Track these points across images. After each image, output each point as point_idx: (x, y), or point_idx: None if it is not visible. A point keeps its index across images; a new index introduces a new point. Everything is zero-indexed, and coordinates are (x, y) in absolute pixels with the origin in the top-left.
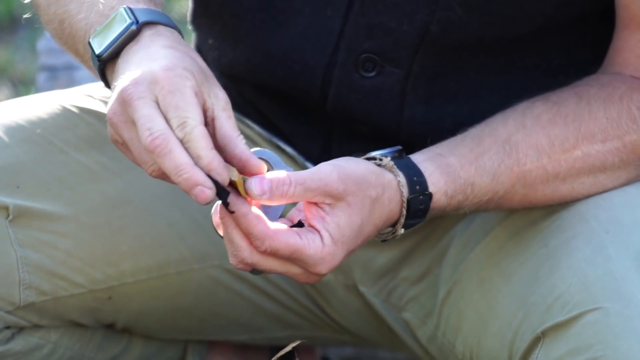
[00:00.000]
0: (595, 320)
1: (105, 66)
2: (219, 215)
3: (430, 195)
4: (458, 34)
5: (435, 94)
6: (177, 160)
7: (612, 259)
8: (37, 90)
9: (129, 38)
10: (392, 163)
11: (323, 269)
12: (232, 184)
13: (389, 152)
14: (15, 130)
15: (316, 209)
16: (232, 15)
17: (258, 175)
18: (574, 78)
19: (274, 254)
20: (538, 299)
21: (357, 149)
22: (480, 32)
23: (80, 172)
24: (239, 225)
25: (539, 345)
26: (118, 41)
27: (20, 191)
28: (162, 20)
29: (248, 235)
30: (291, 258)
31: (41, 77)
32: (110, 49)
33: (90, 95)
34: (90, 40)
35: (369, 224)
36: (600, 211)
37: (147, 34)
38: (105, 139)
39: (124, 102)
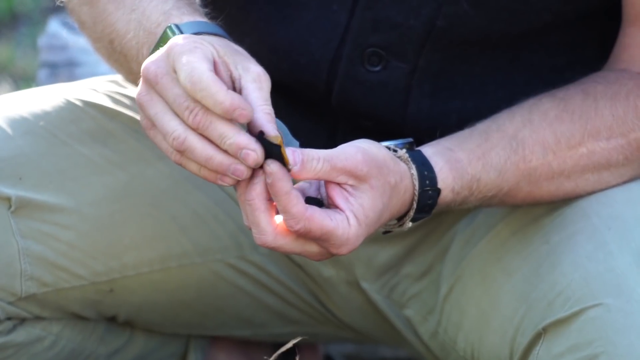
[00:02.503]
0: (596, 316)
1: None
2: (249, 194)
3: (438, 191)
4: (464, 29)
5: (440, 89)
6: (221, 129)
7: (614, 255)
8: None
9: None
10: (407, 155)
11: (345, 249)
12: (273, 149)
13: (400, 143)
14: (18, 123)
15: (339, 189)
16: (239, 8)
17: (290, 147)
18: (581, 75)
19: (305, 233)
20: (539, 295)
21: None
22: (486, 28)
23: (83, 164)
24: (278, 201)
25: (540, 341)
26: None
27: (22, 183)
28: (208, 30)
29: (284, 213)
30: (320, 239)
31: (42, 74)
32: None
33: (94, 89)
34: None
35: (387, 210)
36: (601, 207)
37: None
38: (108, 133)
39: (149, 82)
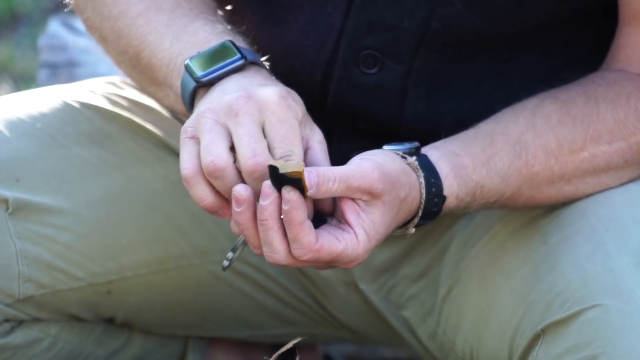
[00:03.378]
0: (594, 317)
1: (195, 91)
2: (263, 214)
3: (444, 198)
4: (459, 30)
5: (436, 90)
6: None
7: (612, 256)
8: (38, 87)
9: (233, 71)
10: (416, 163)
11: (354, 264)
12: (295, 179)
13: (407, 148)
14: (15, 125)
15: (352, 204)
16: (233, 12)
17: (307, 168)
18: (577, 74)
19: (314, 262)
20: (538, 296)
21: (357, 146)
22: (481, 28)
23: (81, 166)
24: (290, 229)
25: (539, 342)
26: (225, 70)
27: (20, 185)
28: (256, 60)
29: (292, 241)
30: (329, 260)
31: (42, 74)
32: (213, 75)
33: (91, 90)
34: (189, 62)
35: (394, 222)
36: (599, 208)
37: (252, 69)
38: (105, 134)
39: (230, 112)
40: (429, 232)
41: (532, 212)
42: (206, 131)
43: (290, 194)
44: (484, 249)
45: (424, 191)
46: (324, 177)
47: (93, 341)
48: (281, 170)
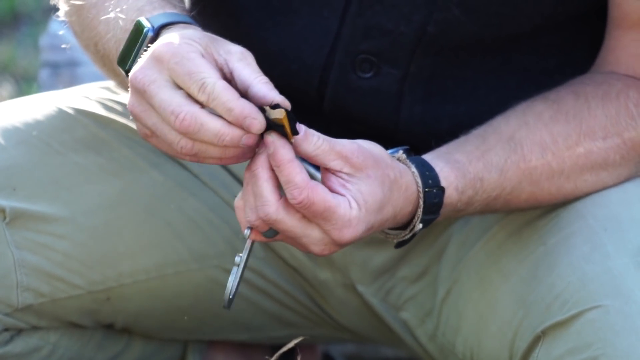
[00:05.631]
0: (594, 318)
1: None
2: (253, 164)
3: (443, 189)
4: (455, 34)
5: (432, 94)
6: (213, 129)
7: (610, 256)
8: (40, 87)
9: (147, 44)
10: (404, 156)
11: (347, 234)
12: (276, 125)
13: (395, 151)
14: (11, 133)
15: (336, 177)
16: (229, 15)
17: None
18: (572, 76)
19: (307, 207)
20: (537, 298)
21: None
22: (477, 32)
23: (77, 173)
24: (281, 171)
25: (539, 344)
26: (138, 50)
27: (16, 193)
28: (179, 20)
29: (286, 183)
30: (322, 216)
31: (44, 74)
32: (134, 62)
33: (86, 96)
34: (118, 62)
35: (388, 203)
36: (597, 208)
37: (164, 34)
38: (101, 141)
39: (138, 91)
40: (425, 233)
41: (530, 213)
42: (147, 120)
43: (271, 135)
44: (482, 250)
45: (419, 180)
46: (309, 130)
47: (93, 346)
48: (266, 115)
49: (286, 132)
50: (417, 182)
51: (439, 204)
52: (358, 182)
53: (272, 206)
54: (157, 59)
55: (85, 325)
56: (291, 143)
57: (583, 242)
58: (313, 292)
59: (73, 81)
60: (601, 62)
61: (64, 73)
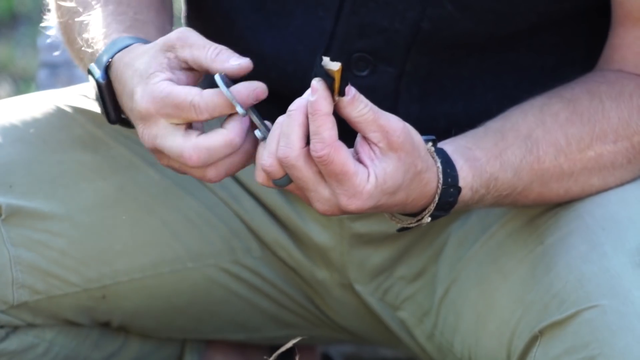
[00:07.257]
0: (591, 318)
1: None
2: (292, 105)
3: (459, 190)
4: (450, 31)
5: (429, 92)
6: (222, 144)
7: (608, 256)
8: (38, 87)
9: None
10: (432, 149)
11: (353, 204)
12: (329, 76)
13: (426, 139)
14: (8, 130)
15: (369, 148)
16: (225, 17)
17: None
18: (569, 75)
19: (325, 164)
20: (535, 297)
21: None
22: (472, 30)
23: (74, 171)
24: (314, 120)
25: (537, 344)
26: (106, 101)
27: (13, 190)
28: (118, 49)
29: (314, 134)
30: (336, 178)
31: (42, 74)
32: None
33: (85, 95)
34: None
35: (403, 190)
36: (595, 208)
37: (115, 72)
38: (98, 139)
39: (153, 151)
40: (423, 232)
41: (529, 212)
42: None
43: (318, 83)
44: (481, 250)
45: (441, 176)
46: (360, 97)
47: (89, 345)
48: (322, 63)
49: (334, 88)
50: (438, 179)
51: (453, 203)
52: (387, 161)
53: (295, 150)
54: (145, 118)
55: (81, 323)
56: (334, 99)
57: (581, 242)
58: (311, 292)
59: (71, 81)
60: (606, 61)
61: (63, 73)
